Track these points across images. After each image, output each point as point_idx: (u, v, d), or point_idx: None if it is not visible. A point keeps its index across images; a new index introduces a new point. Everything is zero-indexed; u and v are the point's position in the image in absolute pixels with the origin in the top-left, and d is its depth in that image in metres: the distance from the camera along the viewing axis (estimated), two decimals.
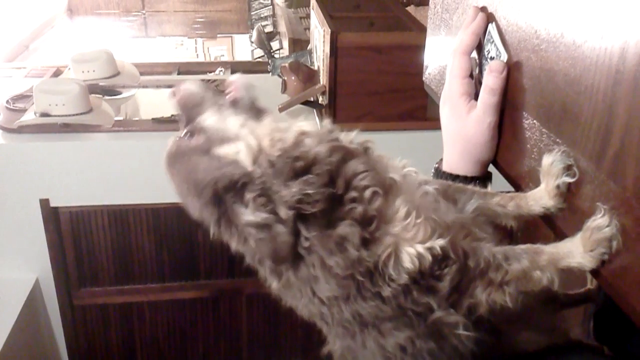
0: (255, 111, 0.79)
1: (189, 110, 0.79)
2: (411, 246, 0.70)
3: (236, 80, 0.81)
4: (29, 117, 2.68)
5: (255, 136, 0.75)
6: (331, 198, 0.71)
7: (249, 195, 0.71)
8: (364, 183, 0.72)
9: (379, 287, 0.71)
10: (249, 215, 0.71)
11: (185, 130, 0.78)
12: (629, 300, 0.63)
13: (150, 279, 2.89)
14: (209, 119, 0.78)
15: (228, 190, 0.72)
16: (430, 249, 0.70)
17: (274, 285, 0.78)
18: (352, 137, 0.78)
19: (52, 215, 2.67)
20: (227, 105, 0.78)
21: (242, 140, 0.75)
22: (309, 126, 0.76)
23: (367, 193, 0.72)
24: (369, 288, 0.71)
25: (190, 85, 0.81)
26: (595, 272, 0.70)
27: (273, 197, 0.71)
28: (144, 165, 2.66)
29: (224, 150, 0.74)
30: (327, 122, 0.79)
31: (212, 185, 0.73)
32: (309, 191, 0.70)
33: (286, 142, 0.74)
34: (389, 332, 0.74)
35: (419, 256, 0.70)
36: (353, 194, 0.71)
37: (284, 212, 0.70)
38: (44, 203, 2.65)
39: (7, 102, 2.93)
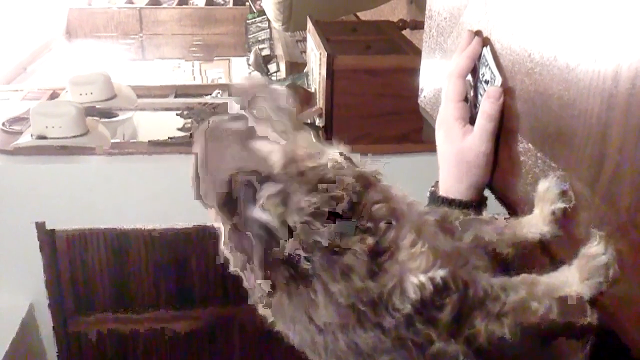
0: (295, 122, 0.79)
1: (246, 98, 0.79)
2: (415, 276, 0.69)
3: (281, 90, 0.82)
4: (26, 140, 2.68)
5: (292, 144, 0.75)
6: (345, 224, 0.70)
7: (265, 192, 0.70)
8: (380, 213, 0.71)
9: (381, 318, 0.70)
10: (258, 211, 0.70)
11: (232, 114, 0.78)
12: (626, 329, 0.62)
13: (146, 304, 2.86)
14: (259, 111, 0.77)
15: (247, 181, 0.71)
16: (431, 279, 0.69)
17: (259, 302, 0.76)
18: (365, 164, 0.77)
19: (48, 239, 2.66)
20: (278, 108, 0.78)
21: (280, 143, 0.74)
22: (340, 157, 0.75)
23: (382, 225, 0.71)
24: (371, 318, 0.70)
25: (260, 79, 0.82)
26: (592, 301, 0.69)
27: (288, 203, 0.69)
28: (140, 188, 2.65)
29: (260, 145, 0.74)
30: (344, 149, 0.78)
31: (234, 170, 0.71)
32: (328, 208, 0.69)
33: (320, 160, 0.74)
34: None
35: (421, 286, 0.69)
36: (368, 224, 0.70)
37: (294, 219, 0.69)
38: (40, 226, 2.63)
39: (4, 124, 2.93)
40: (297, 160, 0.74)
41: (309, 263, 0.69)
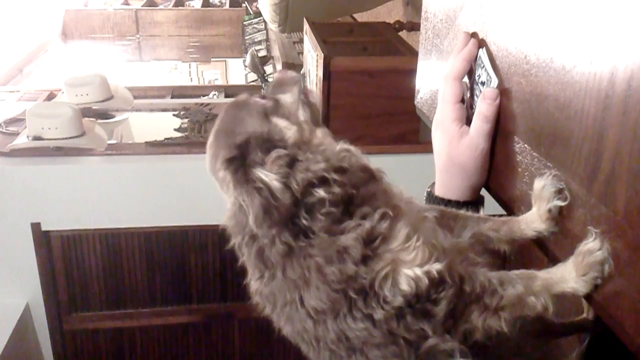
0: (316, 117, 0.85)
1: (278, 87, 0.85)
2: (409, 268, 0.70)
3: (312, 90, 0.86)
4: (22, 141, 2.68)
5: (309, 131, 0.80)
6: (345, 203, 0.72)
7: (273, 154, 0.73)
8: (377, 203, 0.73)
9: (372, 309, 0.70)
10: (263, 171, 0.73)
11: (262, 94, 0.85)
12: (622, 325, 0.63)
13: (142, 303, 2.86)
14: (286, 97, 0.83)
15: (259, 144, 0.75)
16: (427, 273, 0.70)
17: (254, 284, 0.77)
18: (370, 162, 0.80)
19: (43, 239, 2.65)
20: (303, 101, 0.84)
21: (299, 126, 0.79)
22: (353, 148, 0.80)
23: (378, 213, 0.72)
24: (361, 308, 0.70)
25: (294, 72, 0.88)
26: (588, 297, 0.70)
27: (294, 166, 0.73)
28: (137, 189, 2.65)
29: (279, 122, 0.79)
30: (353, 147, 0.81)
31: (250, 133, 0.77)
32: (335, 177, 0.72)
33: (331, 148, 0.78)
34: None
35: (417, 279, 0.69)
36: (366, 209, 0.72)
37: (298, 178, 0.71)
38: (35, 227, 2.63)
39: (0, 125, 2.93)
40: (309, 143, 0.78)
41: (307, 239, 0.71)
